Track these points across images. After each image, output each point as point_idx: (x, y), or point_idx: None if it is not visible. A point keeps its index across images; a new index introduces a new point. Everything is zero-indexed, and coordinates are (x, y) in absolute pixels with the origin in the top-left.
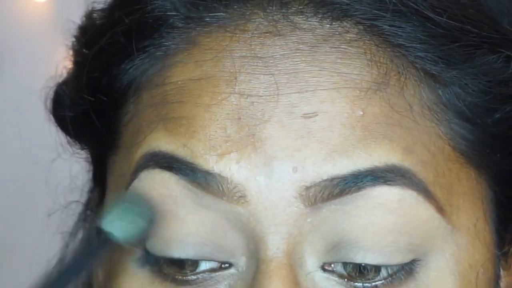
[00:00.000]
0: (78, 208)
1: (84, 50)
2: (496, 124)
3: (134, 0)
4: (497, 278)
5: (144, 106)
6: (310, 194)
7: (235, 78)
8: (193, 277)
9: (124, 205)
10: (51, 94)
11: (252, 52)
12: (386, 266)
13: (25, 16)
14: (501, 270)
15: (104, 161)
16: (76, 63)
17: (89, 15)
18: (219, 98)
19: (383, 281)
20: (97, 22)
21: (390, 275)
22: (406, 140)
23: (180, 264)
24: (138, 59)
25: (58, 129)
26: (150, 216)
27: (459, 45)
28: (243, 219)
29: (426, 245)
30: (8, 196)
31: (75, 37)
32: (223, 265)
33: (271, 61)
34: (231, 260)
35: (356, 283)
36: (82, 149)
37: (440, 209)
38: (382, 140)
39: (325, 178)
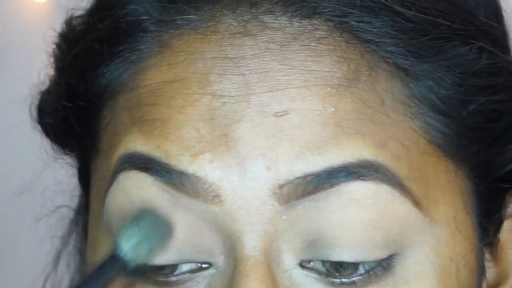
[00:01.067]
0: (66, 212)
1: (63, 57)
2: (472, 116)
3: (108, 6)
4: (481, 270)
5: (120, 110)
6: (284, 192)
7: (207, 80)
8: (174, 278)
9: (136, 227)
10: (35, 101)
11: (223, 53)
12: (364, 263)
13: (25, 16)
14: (486, 262)
15: (88, 166)
16: (56, 69)
17: (68, 22)
18: (191, 99)
19: (360, 277)
20: (76, 28)
21: (367, 271)
22: (379, 135)
23: (161, 266)
24: (113, 63)
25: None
26: (163, 232)
27: (430, 38)
28: (218, 219)
29: (403, 239)
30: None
31: (56, 44)
32: (202, 266)
33: (241, 61)
34: (210, 260)
35: (334, 279)
36: (66, 154)
37: (416, 203)
38: (355, 136)
39: (298, 175)
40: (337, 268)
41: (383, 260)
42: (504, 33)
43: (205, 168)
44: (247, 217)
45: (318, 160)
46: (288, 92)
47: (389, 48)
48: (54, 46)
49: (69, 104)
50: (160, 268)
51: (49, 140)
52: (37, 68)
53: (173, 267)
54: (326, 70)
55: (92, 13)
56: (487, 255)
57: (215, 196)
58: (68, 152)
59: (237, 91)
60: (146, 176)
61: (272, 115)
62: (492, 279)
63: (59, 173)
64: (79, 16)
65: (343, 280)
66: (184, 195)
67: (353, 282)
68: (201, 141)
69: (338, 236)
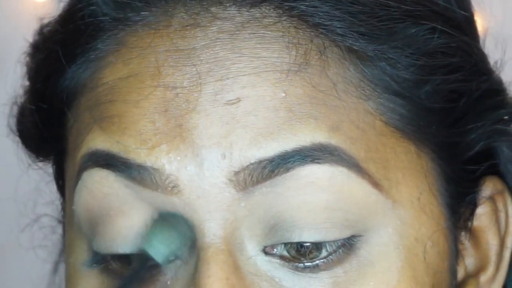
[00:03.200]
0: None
1: (31, 64)
2: (429, 97)
3: (69, 11)
4: (453, 253)
5: (82, 110)
6: (240, 178)
7: (160, 72)
8: (142, 272)
9: (163, 228)
10: (12, 110)
11: (174, 45)
12: (325, 243)
13: (25, 16)
14: (466, 249)
15: (62, 170)
16: (28, 78)
17: (40, 31)
18: (146, 93)
19: (324, 259)
20: (44, 36)
21: (330, 253)
22: (332, 118)
23: (127, 260)
24: (74, 65)
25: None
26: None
27: (379, 20)
28: (179, 209)
29: (365, 220)
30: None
31: (27, 54)
32: (169, 258)
33: (192, 52)
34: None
35: (298, 264)
36: (41, 161)
37: (375, 184)
38: (307, 120)
39: (252, 161)
40: (299, 251)
41: (345, 241)
42: (467, 18)
43: (162, 159)
44: (206, 205)
45: (271, 145)
46: (239, 80)
47: (338, 31)
48: (26, 56)
49: (36, 109)
50: (127, 263)
51: (24, 148)
52: None
53: (140, 260)
54: (275, 56)
55: (57, 19)
56: (465, 241)
57: (173, 187)
58: (43, 159)
59: (189, 82)
60: (108, 173)
61: (224, 103)
62: (473, 265)
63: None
64: (48, 24)
65: (306, 264)
66: (145, 189)
67: (317, 265)
68: (157, 133)
69: (297, 218)
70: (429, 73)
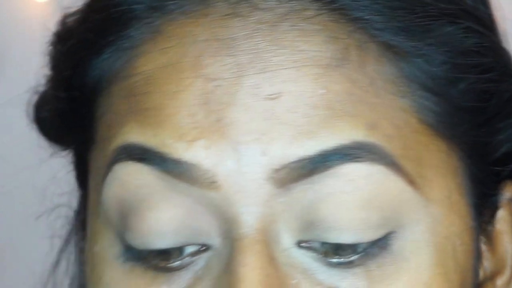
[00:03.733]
0: (66, 211)
1: (58, 52)
2: (462, 95)
3: None
4: (477, 253)
5: (114, 100)
6: (280, 176)
7: (199, 63)
8: (176, 263)
9: None
10: (32, 100)
11: (214, 35)
12: (360, 244)
13: (25, 16)
14: (483, 252)
15: (85, 159)
16: (52, 66)
17: (63, 21)
18: (185, 83)
19: (358, 255)
20: (70, 24)
21: (364, 250)
22: (370, 115)
23: (165, 255)
24: (106, 53)
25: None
26: None
27: (418, 17)
28: (215, 203)
29: (399, 218)
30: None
31: (51, 42)
32: (201, 248)
33: (232, 43)
34: (208, 242)
35: (332, 260)
36: (62, 150)
37: (410, 182)
38: (346, 118)
39: (293, 160)
40: (335, 249)
41: (379, 239)
42: (490, 16)
43: (200, 155)
44: (244, 199)
45: (311, 143)
46: (279, 74)
47: (378, 26)
48: (50, 45)
49: (64, 96)
50: (161, 253)
51: (45, 138)
52: (37, 68)
53: (173, 252)
54: (315, 50)
55: (86, 7)
56: (483, 244)
57: (211, 182)
58: (64, 148)
59: (229, 73)
60: (142, 166)
61: (265, 97)
62: (489, 268)
63: (58, 171)
64: (73, 13)
65: (340, 260)
66: (181, 182)
67: (351, 262)
68: (195, 127)
69: (335, 219)
70: (463, 72)
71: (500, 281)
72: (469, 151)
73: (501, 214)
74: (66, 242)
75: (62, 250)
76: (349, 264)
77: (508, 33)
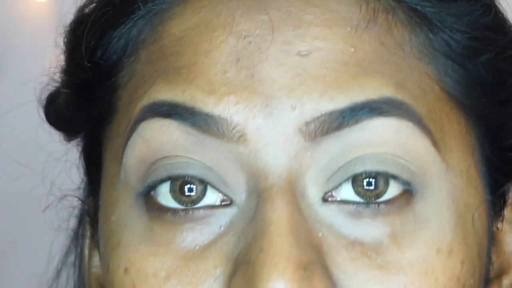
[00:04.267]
0: (73, 202)
1: (78, 31)
2: (481, 69)
3: None
4: (490, 233)
5: (142, 64)
6: (310, 129)
7: (232, 20)
8: (194, 212)
9: None
10: (45, 89)
11: None
12: (391, 181)
13: (25, 16)
14: (495, 233)
15: (99, 141)
16: (70, 46)
17: (81, 9)
18: (218, 41)
19: (385, 204)
20: (89, 7)
21: (392, 198)
22: (397, 75)
23: (182, 192)
24: (133, 20)
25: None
26: None
27: None
28: (243, 157)
29: (423, 176)
30: (7, 195)
31: (69, 28)
32: (223, 203)
33: (264, 1)
34: (232, 197)
35: (357, 207)
36: (72, 139)
37: (435, 143)
38: (375, 75)
39: (323, 112)
40: (368, 187)
41: (402, 195)
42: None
43: (231, 109)
44: (273, 152)
45: (341, 98)
46: (310, 31)
47: None
48: (68, 29)
49: (87, 67)
50: (184, 194)
51: (55, 127)
52: (38, 67)
53: (196, 195)
54: (345, 10)
55: None
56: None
57: (240, 137)
58: (73, 136)
59: (261, 30)
60: (170, 121)
61: (296, 53)
62: (495, 266)
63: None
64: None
65: (366, 208)
66: (210, 136)
67: (377, 209)
68: (226, 83)
69: (361, 156)
70: (484, 44)
71: (507, 280)
72: (485, 130)
73: (507, 213)
74: (75, 238)
75: (70, 247)
76: (373, 214)
77: None
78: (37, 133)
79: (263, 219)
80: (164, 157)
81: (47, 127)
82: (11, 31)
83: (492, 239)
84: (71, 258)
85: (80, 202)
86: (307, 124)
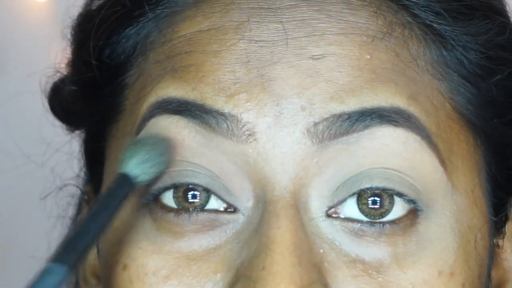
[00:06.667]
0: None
1: (86, 27)
2: (494, 89)
3: None
4: (492, 252)
5: (150, 64)
6: (318, 130)
7: (244, 26)
8: (199, 215)
9: (138, 145)
10: (50, 81)
11: (260, 4)
12: (396, 200)
13: (25, 16)
14: (497, 250)
15: (103, 137)
16: (77, 41)
17: (89, 2)
18: (228, 44)
19: (390, 224)
20: (98, 2)
21: (397, 219)
22: (411, 88)
23: (185, 197)
24: (142, 22)
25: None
26: (165, 149)
27: (460, 5)
28: (250, 161)
29: (428, 195)
30: (8, 195)
31: (76, 22)
32: (228, 209)
33: (278, 11)
34: (237, 204)
35: (361, 226)
36: (74, 131)
37: (442, 161)
38: (388, 84)
39: (333, 113)
40: (373, 206)
41: (406, 216)
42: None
43: (241, 107)
44: (280, 156)
45: (352, 101)
46: (325, 38)
47: (421, 7)
48: (75, 23)
49: (94, 65)
50: (187, 200)
51: (58, 118)
52: (37, 67)
53: (199, 201)
54: (361, 21)
55: None
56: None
57: (249, 135)
58: (76, 128)
59: (274, 37)
60: (179, 118)
61: (309, 57)
62: (493, 281)
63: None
64: None
65: (371, 228)
66: (218, 136)
67: (381, 229)
68: (236, 82)
69: (367, 171)
70: (497, 64)
71: None
72: (493, 150)
73: (508, 229)
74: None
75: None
76: (376, 234)
77: None
78: (34, 131)
79: (267, 235)
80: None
81: (44, 124)
82: (11, 31)
83: (492, 255)
84: None
85: (79, 190)
86: (315, 125)
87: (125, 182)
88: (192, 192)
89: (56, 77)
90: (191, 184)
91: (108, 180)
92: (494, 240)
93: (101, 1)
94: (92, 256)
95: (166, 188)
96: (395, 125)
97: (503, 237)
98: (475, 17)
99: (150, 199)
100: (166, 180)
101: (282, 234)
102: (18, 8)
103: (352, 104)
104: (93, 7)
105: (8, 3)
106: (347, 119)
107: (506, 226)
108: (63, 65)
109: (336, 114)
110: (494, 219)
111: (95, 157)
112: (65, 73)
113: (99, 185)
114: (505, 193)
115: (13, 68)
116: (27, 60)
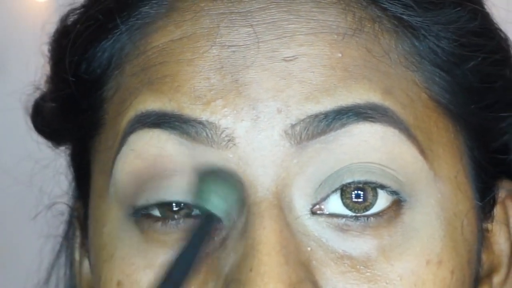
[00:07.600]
0: (62, 208)
1: (62, 43)
2: (468, 75)
3: None
4: (481, 237)
5: (127, 77)
6: (296, 132)
7: (215, 33)
8: (185, 222)
9: (214, 181)
10: (31, 97)
11: (229, 9)
12: (380, 192)
13: (25, 16)
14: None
15: (87, 150)
16: (54, 58)
17: (64, 18)
18: (200, 51)
19: (374, 217)
20: (76, 12)
21: (381, 211)
22: (385, 82)
23: (170, 207)
24: (116, 34)
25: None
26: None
27: None
28: (232, 166)
29: (411, 186)
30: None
31: (53, 38)
32: None
33: (248, 15)
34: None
35: (346, 221)
36: (59, 147)
37: (422, 152)
38: (362, 80)
39: (309, 114)
40: (357, 200)
41: (391, 207)
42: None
43: (218, 114)
44: (261, 159)
45: (327, 101)
46: (296, 38)
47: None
48: (53, 37)
49: (72, 82)
50: (170, 209)
51: (42, 135)
52: (37, 68)
53: (183, 211)
54: (331, 19)
55: None
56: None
57: (229, 141)
58: (61, 144)
59: (245, 41)
60: (160, 132)
61: (282, 59)
62: (485, 265)
63: (55, 172)
64: (75, 8)
65: (355, 222)
66: (200, 145)
67: (366, 222)
68: (212, 89)
69: (348, 165)
70: (470, 51)
71: (496, 279)
72: (474, 135)
73: (497, 212)
74: (64, 243)
75: (59, 252)
76: (361, 228)
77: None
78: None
79: (253, 237)
80: (156, 178)
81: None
82: (11, 31)
83: (482, 239)
84: (62, 260)
85: (69, 207)
86: (292, 126)
87: (210, 219)
88: (176, 204)
89: (36, 95)
90: (177, 202)
91: (94, 194)
92: (484, 225)
93: (76, 16)
94: (86, 271)
95: (152, 206)
96: (372, 121)
97: (492, 221)
98: (445, 6)
99: (138, 216)
100: (152, 196)
101: (267, 235)
102: (18, 8)
103: (328, 104)
104: (69, 23)
105: (8, 3)
106: (323, 119)
107: (494, 210)
108: (43, 82)
109: (312, 115)
110: (480, 204)
111: (82, 173)
112: (45, 90)
113: (88, 200)
114: (490, 177)
115: (12, 68)
116: (27, 61)
